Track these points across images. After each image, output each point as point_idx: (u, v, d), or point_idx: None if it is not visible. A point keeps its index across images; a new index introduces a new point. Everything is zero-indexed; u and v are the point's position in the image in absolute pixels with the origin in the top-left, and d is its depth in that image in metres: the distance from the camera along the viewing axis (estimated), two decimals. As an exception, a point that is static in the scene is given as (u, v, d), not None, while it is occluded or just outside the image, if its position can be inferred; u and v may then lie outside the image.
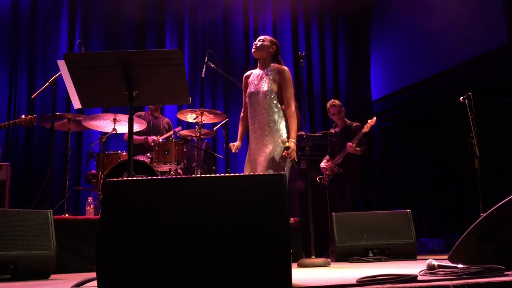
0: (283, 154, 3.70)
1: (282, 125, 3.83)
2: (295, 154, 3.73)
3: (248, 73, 4.13)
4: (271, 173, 3.66)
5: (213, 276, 1.86)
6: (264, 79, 3.92)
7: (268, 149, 3.76)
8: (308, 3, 8.64)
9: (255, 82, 3.98)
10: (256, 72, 4.05)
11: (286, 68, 3.95)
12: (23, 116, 4.85)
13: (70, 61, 2.80)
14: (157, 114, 6.04)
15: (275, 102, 3.86)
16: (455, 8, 7.15)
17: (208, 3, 8.01)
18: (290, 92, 3.88)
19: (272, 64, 3.99)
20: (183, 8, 7.87)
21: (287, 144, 3.69)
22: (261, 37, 4.06)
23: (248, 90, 4.01)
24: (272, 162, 3.73)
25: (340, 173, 5.56)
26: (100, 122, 5.19)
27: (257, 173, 3.73)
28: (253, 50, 4.02)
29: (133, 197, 2.01)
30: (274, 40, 4.10)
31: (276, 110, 3.85)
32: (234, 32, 8.06)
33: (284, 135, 3.80)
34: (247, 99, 4.01)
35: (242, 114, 4.17)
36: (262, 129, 3.83)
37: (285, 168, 3.77)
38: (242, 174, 3.09)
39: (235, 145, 4.10)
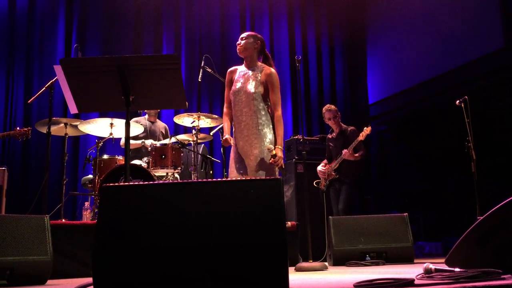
0: (270, 161, 3.65)
1: (269, 128, 3.77)
2: (282, 162, 3.67)
3: (232, 68, 4.03)
4: (263, 176, 3.63)
5: (210, 280, 1.86)
6: (251, 79, 3.83)
7: (257, 151, 3.70)
8: (305, 7, 8.67)
9: (241, 81, 3.88)
10: (242, 69, 3.95)
11: (274, 70, 3.86)
12: (18, 128, 4.84)
13: (66, 66, 2.80)
14: (154, 119, 6.04)
15: (262, 104, 3.79)
16: (451, 12, 7.18)
17: (205, 7, 8.03)
18: (278, 96, 3.81)
19: (260, 63, 3.92)
20: (180, 13, 7.89)
21: (274, 152, 3.63)
22: (243, 35, 3.94)
23: (233, 87, 3.91)
24: (262, 166, 3.68)
25: (337, 178, 5.56)
26: (96, 126, 5.18)
27: (248, 175, 3.70)
28: (238, 50, 3.92)
29: (130, 202, 2.01)
30: (256, 34, 3.99)
31: (263, 113, 3.78)
32: (231, 36, 8.06)
33: (269, 137, 3.74)
34: (231, 96, 3.91)
35: (225, 110, 4.03)
36: (250, 131, 3.76)
37: (275, 172, 3.72)
38: (239, 178, 3.09)
39: (231, 139, 3.96)
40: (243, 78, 3.89)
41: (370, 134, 5.46)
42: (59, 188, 5.03)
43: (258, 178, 3.46)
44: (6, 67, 6.78)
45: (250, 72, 3.89)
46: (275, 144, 3.73)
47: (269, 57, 4.00)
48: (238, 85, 3.88)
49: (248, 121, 3.79)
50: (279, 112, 3.78)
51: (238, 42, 3.94)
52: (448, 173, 7.40)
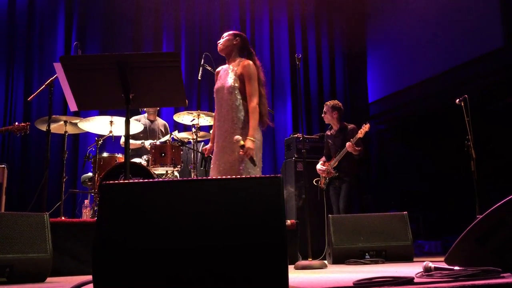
0: (239, 153, 3.55)
1: (247, 123, 3.68)
2: (252, 152, 3.53)
3: (219, 68, 4.01)
4: (243, 173, 3.57)
5: (209, 279, 1.86)
6: (229, 74, 3.78)
7: (237, 148, 3.61)
8: (305, 6, 8.67)
9: (222, 77, 3.85)
10: (224, 67, 3.93)
11: (250, 62, 3.77)
12: (16, 123, 4.84)
13: (66, 64, 2.80)
14: (153, 117, 6.03)
15: (239, 98, 3.71)
16: (450, 11, 7.18)
17: (205, 6, 8.03)
18: (254, 87, 3.70)
19: (240, 58, 3.85)
20: (180, 11, 7.88)
21: (242, 143, 3.52)
22: (224, 34, 3.93)
23: (215, 86, 3.89)
24: (242, 162, 3.60)
25: (336, 176, 5.55)
26: (96, 124, 5.18)
27: (227, 172, 3.61)
28: (218, 49, 3.91)
29: (130, 200, 2.01)
30: (237, 32, 3.96)
31: (241, 108, 3.70)
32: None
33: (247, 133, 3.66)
34: (214, 95, 3.88)
35: (215, 113, 3.99)
36: (228, 126, 3.69)
37: (258, 168, 3.65)
38: (239, 176, 3.08)
39: (207, 149, 4.00)
40: (224, 74, 3.87)
41: (369, 132, 5.44)
42: (58, 186, 5.03)
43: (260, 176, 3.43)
44: (6, 64, 6.77)
45: (229, 68, 3.85)
46: (246, 135, 3.61)
47: (253, 53, 3.92)
48: (218, 83, 3.87)
49: (226, 115, 3.73)
50: (254, 103, 3.68)
51: (218, 42, 3.93)
52: (447, 172, 7.40)
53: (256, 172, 3.64)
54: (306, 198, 4.31)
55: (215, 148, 3.78)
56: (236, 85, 3.73)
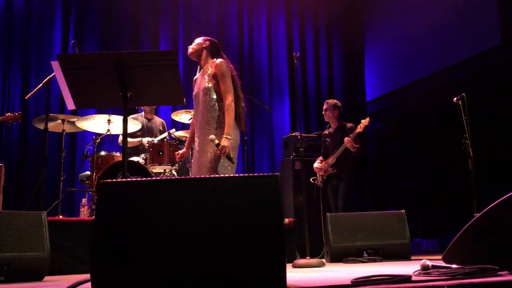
0: (216, 152, 3.57)
1: (222, 123, 3.69)
2: (228, 151, 3.55)
3: (196, 76, 4.03)
4: (218, 174, 3.58)
5: (208, 277, 1.86)
6: (204, 76, 3.80)
7: (209, 148, 3.63)
8: (303, 5, 8.67)
9: (198, 82, 3.88)
10: (200, 73, 3.95)
11: (222, 60, 3.79)
12: (8, 114, 4.84)
13: (63, 62, 2.80)
14: (151, 116, 6.03)
15: (214, 98, 3.72)
16: (449, 9, 7.18)
17: (203, 4, 8.02)
18: (227, 85, 3.71)
19: (212, 59, 3.85)
20: (178, 8, 7.87)
21: (217, 142, 3.54)
22: (195, 40, 3.97)
23: (193, 92, 3.92)
24: (217, 162, 3.61)
25: (334, 174, 5.55)
26: (94, 123, 5.17)
27: (203, 173, 3.62)
28: (189, 54, 3.95)
29: (127, 198, 2.01)
30: (208, 37, 3.99)
31: (216, 107, 3.72)
32: (228, 33, 8.06)
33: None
34: (193, 101, 3.90)
35: (193, 120, 4.04)
36: (203, 128, 3.71)
37: (229, 168, 3.65)
38: (236, 175, 3.07)
39: (179, 153, 4.06)
40: (199, 79, 3.89)
41: (368, 130, 5.44)
42: (56, 185, 5.02)
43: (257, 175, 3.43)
44: (3, 63, 6.75)
45: (203, 71, 3.87)
46: (221, 135, 3.62)
47: (224, 57, 3.92)
48: (195, 89, 3.90)
49: (202, 117, 3.74)
50: (228, 101, 3.69)
51: (188, 46, 3.96)
52: (445, 170, 7.42)
53: (228, 171, 3.64)
54: (304, 196, 4.32)
55: (195, 152, 3.81)
56: (210, 85, 3.75)
